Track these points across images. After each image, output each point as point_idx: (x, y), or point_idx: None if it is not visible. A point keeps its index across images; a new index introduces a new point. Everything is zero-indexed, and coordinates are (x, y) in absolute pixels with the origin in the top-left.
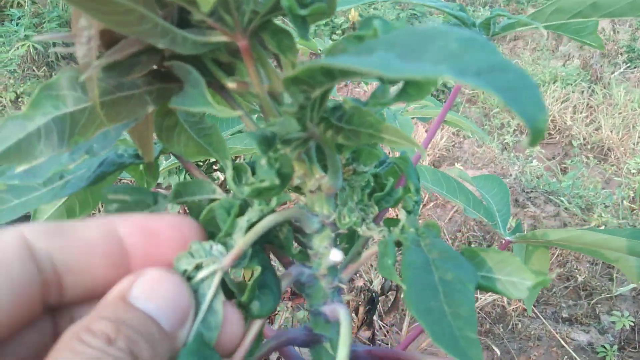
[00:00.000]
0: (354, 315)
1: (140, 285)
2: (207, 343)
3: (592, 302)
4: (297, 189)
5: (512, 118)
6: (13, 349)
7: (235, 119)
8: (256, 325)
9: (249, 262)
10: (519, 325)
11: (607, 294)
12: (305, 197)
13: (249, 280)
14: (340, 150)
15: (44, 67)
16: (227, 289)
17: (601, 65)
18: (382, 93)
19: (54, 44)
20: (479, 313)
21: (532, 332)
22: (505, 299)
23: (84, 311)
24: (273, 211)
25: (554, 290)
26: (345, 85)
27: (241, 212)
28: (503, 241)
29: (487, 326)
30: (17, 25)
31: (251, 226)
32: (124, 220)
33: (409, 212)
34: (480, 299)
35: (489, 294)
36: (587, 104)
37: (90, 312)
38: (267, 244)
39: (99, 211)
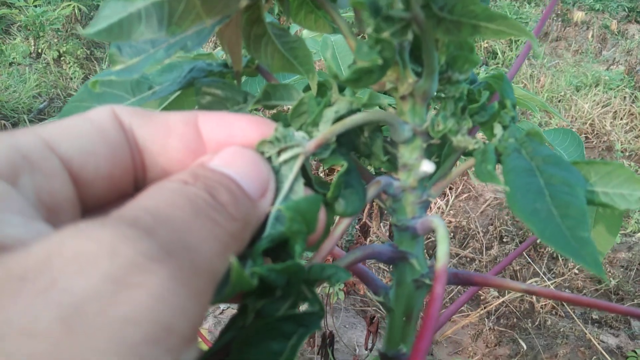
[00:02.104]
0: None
1: (219, 156)
2: None
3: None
4: (389, 95)
5: (550, 118)
6: None
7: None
8: (345, 222)
9: (332, 155)
10: (548, 322)
11: None
12: (397, 106)
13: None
14: (436, 52)
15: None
16: (312, 187)
17: None
18: None
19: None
20: (507, 306)
21: (561, 330)
22: (534, 296)
23: None
24: (362, 109)
25: (584, 292)
26: None
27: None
28: None
29: (515, 320)
30: None
31: (339, 119)
32: (203, 113)
33: (505, 127)
34: (509, 293)
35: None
36: (629, 111)
37: None
38: (354, 152)
39: None
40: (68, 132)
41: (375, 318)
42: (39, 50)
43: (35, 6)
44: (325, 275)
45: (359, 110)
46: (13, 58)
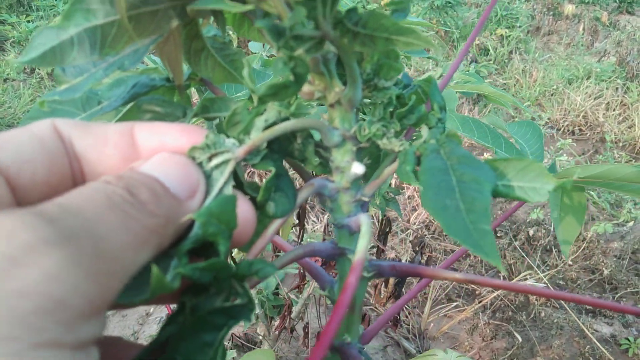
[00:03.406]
0: (383, 285)
1: (149, 161)
2: None
3: (617, 295)
4: (320, 103)
5: (543, 112)
6: None
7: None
8: (275, 224)
9: (262, 160)
10: (542, 314)
11: (633, 289)
12: (328, 113)
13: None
14: (360, 65)
15: None
16: (243, 191)
17: (638, 63)
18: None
19: None
20: (502, 300)
21: (555, 321)
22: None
23: None
24: (292, 117)
25: (578, 282)
26: None
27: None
28: None
29: (510, 313)
30: None
31: (269, 127)
32: (139, 123)
33: (430, 128)
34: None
35: (514, 282)
36: (621, 102)
37: None
38: (287, 157)
39: None
40: (8, 141)
41: (365, 319)
42: (33, 65)
43: (28, 22)
44: (253, 270)
45: (287, 118)
46: (7, 74)
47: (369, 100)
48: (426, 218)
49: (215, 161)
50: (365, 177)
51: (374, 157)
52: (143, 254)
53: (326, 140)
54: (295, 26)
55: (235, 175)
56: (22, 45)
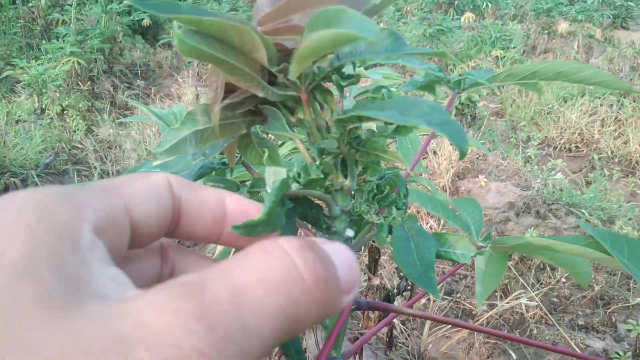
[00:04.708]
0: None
1: (328, 243)
2: None
3: (609, 310)
4: (327, 190)
5: (538, 131)
6: (139, 262)
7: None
8: None
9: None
10: (535, 331)
11: (624, 303)
12: (332, 195)
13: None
14: (356, 166)
15: (88, 82)
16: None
17: (631, 79)
18: (385, 129)
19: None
20: (497, 319)
21: (548, 338)
22: (523, 307)
23: (183, 255)
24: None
25: (571, 299)
26: None
27: None
28: (475, 246)
29: (505, 331)
30: (63, 42)
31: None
32: (229, 193)
33: (398, 209)
34: (498, 305)
35: (507, 302)
36: (616, 117)
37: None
38: (304, 221)
39: None
40: (138, 197)
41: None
42: (43, 106)
43: (38, 64)
44: None
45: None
46: (19, 116)
47: (358, 187)
48: None
49: None
50: (353, 239)
51: (357, 226)
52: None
53: (330, 212)
54: (329, 148)
55: None
56: (33, 88)
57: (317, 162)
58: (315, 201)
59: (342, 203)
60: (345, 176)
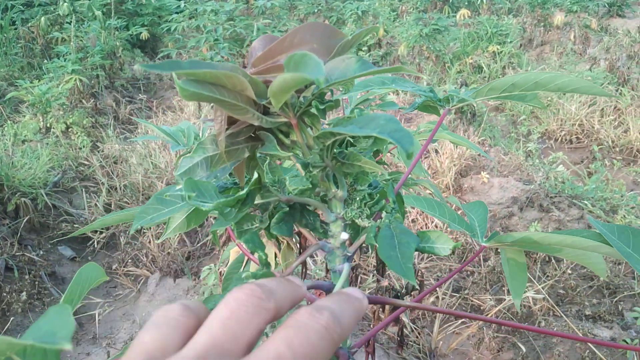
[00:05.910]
0: (381, 311)
1: (328, 297)
2: None
3: (616, 299)
4: (322, 199)
5: (539, 124)
6: None
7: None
8: (298, 259)
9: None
10: (542, 324)
11: (630, 292)
12: (327, 203)
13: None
14: (346, 177)
15: (91, 99)
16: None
17: (628, 67)
18: (366, 143)
19: (97, 76)
20: (505, 314)
21: (556, 329)
22: (531, 300)
23: None
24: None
25: (578, 290)
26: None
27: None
28: (479, 247)
29: None
30: (64, 60)
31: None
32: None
33: (387, 212)
34: (506, 299)
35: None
36: (615, 107)
37: None
38: (302, 227)
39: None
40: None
41: (370, 342)
42: (48, 125)
43: (41, 84)
44: None
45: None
46: (25, 135)
47: (349, 196)
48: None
49: None
50: (350, 242)
51: (355, 229)
52: None
53: (326, 218)
54: (313, 162)
55: None
56: (37, 107)
57: (305, 175)
58: (314, 210)
59: (336, 210)
60: (337, 185)
